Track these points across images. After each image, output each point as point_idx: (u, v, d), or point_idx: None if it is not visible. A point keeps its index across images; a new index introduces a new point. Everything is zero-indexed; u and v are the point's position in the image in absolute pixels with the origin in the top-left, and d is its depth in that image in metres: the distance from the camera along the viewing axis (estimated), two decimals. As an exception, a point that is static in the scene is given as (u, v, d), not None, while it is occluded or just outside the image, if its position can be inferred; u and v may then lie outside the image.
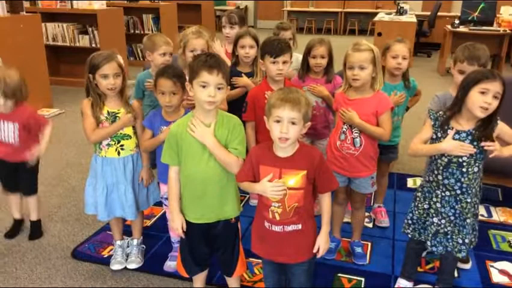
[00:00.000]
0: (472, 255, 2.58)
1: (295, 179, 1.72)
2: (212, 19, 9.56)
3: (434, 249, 2.08)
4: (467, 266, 2.48)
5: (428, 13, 10.33)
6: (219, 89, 1.76)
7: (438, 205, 2.05)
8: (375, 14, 10.49)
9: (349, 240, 2.62)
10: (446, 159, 1.98)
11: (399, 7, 9.40)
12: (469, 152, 1.92)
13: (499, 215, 3.08)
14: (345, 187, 2.43)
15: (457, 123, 1.97)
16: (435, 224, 2.06)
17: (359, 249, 2.55)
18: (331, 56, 2.72)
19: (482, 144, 1.90)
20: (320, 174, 1.74)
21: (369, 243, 2.70)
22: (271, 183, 1.70)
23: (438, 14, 10.01)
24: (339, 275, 2.42)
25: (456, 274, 2.42)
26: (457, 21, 7.95)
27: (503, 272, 2.47)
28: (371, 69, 2.18)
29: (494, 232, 2.85)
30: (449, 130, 1.97)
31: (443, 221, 2.04)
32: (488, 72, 1.87)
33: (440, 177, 2.02)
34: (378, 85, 2.24)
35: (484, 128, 1.91)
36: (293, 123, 1.65)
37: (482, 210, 3.11)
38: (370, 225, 2.91)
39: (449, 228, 2.04)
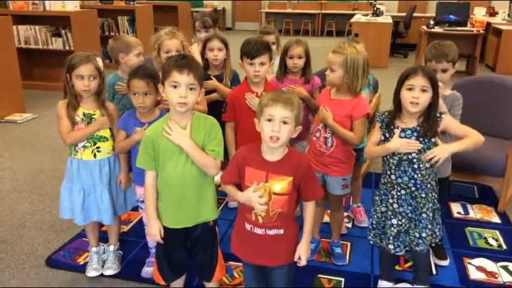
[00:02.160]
0: (449, 252, 2.61)
1: (281, 184, 1.70)
2: (189, 21, 9.50)
3: (397, 250, 2.09)
4: (445, 263, 2.50)
5: (404, 14, 10.50)
6: (190, 89, 1.73)
7: (395, 205, 2.06)
8: (352, 15, 10.61)
9: (328, 240, 2.62)
10: (396, 158, 2.01)
11: (375, 8, 9.53)
12: (416, 148, 1.96)
13: (475, 212, 3.12)
14: (322, 186, 2.42)
15: (401, 122, 2.02)
16: (394, 226, 2.07)
17: (338, 250, 2.55)
18: (308, 56, 2.73)
19: (422, 158, 1.95)
20: (305, 181, 1.73)
21: (349, 243, 2.70)
22: (257, 196, 1.68)
23: (414, 15, 10.19)
24: (319, 275, 2.42)
25: (434, 271, 2.44)
26: (432, 22, 8.08)
27: (480, 268, 2.50)
28: (341, 73, 2.19)
29: (471, 229, 2.88)
30: (395, 129, 2.01)
31: (402, 221, 2.06)
32: (411, 69, 1.95)
33: (393, 176, 2.04)
34: (359, 89, 2.22)
35: (427, 124, 1.95)
36: (285, 122, 1.64)
37: (458, 207, 3.15)
38: (349, 225, 2.91)
39: (408, 225, 2.06)
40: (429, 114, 1.95)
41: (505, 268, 2.50)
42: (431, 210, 2.04)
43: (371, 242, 2.20)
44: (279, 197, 1.71)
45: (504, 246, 2.72)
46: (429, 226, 2.04)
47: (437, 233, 2.11)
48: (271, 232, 1.75)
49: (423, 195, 2.01)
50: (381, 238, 2.15)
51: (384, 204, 2.11)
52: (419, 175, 1.99)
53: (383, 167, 2.11)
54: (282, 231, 1.76)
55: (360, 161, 2.74)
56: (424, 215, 2.03)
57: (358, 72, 2.18)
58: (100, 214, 2.28)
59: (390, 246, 2.09)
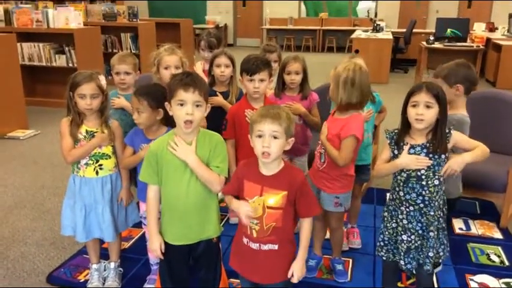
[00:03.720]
0: (451, 269, 2.59)
1: (275, 198, 1.71)
2: (191, 38, 9.58)
3: (408, 266, 2.07)
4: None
5: (404, 30, 10.58)
6: (197, 106, 1.75)
7: (405, 221, 2.05)
8: (353, 31, 10.70)
9: (330, 257, 2.61)
10: (405, 175, 2.01)
11: (375, 24, 9.62)
12: (425, 165, 1.96)
13: (477, 228, 3.11)
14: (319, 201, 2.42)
15: (411, 138, 2.02)
16: (405, 242, 2.06)
17: (339, 267, 2.54)
18: (306, 73, 2.75)
19: (439, 174, 1.96)
20: (300, 197, 1.73)
21: (350, 260, 2.69)
22: (246, 207, 1.70)
23: (414, 30, 10.26)
24: (321, 293, 2.40)
25: (436, 286, 2.42)
26: (431, 38, 8.14)
27: (482, 285, 2.48)
28: (332, 87, 2.23)
29: (473, 245, 2.87)
30: (404, 146, 2.01)
31: (412, 237, 2.04)
32: (416, 86, 1.97)
33: (401, 193, 2.03)
34: (342, 102, 2.20)
35: (435, 140, 1.95)
36: (275, 137, 1.66)
37: (460, 223, 3.14)
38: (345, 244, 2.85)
39: (419, 242, 2.04)
40: (437, 131, 1.95)
41: (508, 285, 2.48)
42: (436, 229, 2.02)
43: (384, 258, 2.18)
44: (273, 211, 1.72)
45: (506, 263, 2.70)
46: (435, 246, 2.03)
47: (441, 253, 2.08)
48: (265, 247, 1.76)
49: (431, 213, 2.00)
50: (394, 253, 2.13)
51: (394, 220, 2.10)
52: (427, 192, 1.98)
53: (392, 183, 2.10)
54: (276, 247, 1.76)
55: (362, 179, 2.72)
56: (432, 234, 2.01)
57: (339, 85, 2.18)
58: (101, 231, 2.28)
59: (402, 262, 2.08)
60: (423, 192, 1.98)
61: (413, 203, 2.01)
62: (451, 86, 2.30)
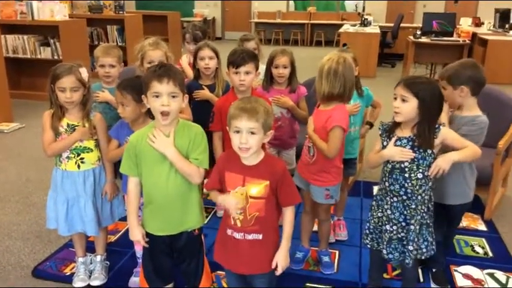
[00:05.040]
0: (436, 260, 2.62)
1: (257, 188, 1.72)
2: (178, 30, 9.51)
3: (390, 256, 2.10)
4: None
5: (392, 24, 10.63)
6: (173, 97, 1.74)
7: (389, 212, 2.08)
8: (341, 25, 10.72)
9: (317, 249, 2.62)
10: (390, 166, 2.04)
11: (363, 19, 9.65)
12: (408, 157, 1.98)
13: (462, 220, 3.14)
14: (309, 193, 2.43)
15: (401, 131, 2.04)
16: (388, 231, 2.08)
17: (326, 258, 2.56)
18: (293, 66, 2.74)
19: (428, 174, 1.98)
20: (282, 186, 1.74)
21: (337, 252, 2.71)
22: (233, 200, 1.72)
23: (401, 25, 10.31)
24: (308, 284, 2.42)
25: (421, 279, 2.45)
26: (418, 32, 8.19)
27: (466, 276, 2.52)
28: (316, 79, 2.24)
29: (458, 237, 2.90)
30: (392, 137, 2.04)
31: (394, 227, 2.07)
32: (400, 80, 2.02)
33: (387, 183, 2.06)
34: (324, 94, 2.22)
35: (418, 134, 1.97)
36: (252, 133, 1.66)
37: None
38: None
39: (402, 234, 2.07)
40: (420, 125, 1.97)
41: (491, 275, 2.53)
42: (418, 223, 2.03)
43: (368, 246, 2.21)
44: (256, 201, 1.73)
45: (490, 254, 2.74)
46: (416, 240, 2.04)
47: (424, 250, 2.07)
48: (249, 237, 1.77)
49: (413, 206, 2.02)
50: (378, 242, 2.16)
51: (380, 210, 2.12)
52: (410, 184, 2.00)
53: (380, 174, 2.14)
54: (260, 237, 1.77)
55: (348, 173, 2.73)
56: (412, 227, 2.03)
57: (322, 76, 2.20)
58: (83, 225, 2.26)
59: (384, 252, 2.11)
60: (406, 185, 2.00)
61: (397, 194, 2.04)
62: (455, 88, 2.23)
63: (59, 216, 2.24)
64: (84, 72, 2.17)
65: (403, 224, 2.05)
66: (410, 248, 2.04)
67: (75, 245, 2.43)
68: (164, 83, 1.71)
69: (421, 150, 1.97)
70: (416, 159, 1.98)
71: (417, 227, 2.03)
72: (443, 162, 1.95)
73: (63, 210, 2.23)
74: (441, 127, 1.98)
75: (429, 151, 1.97)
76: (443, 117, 2.13)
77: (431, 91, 1.95)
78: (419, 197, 2.01)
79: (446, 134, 2.00)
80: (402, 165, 2.00)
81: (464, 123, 2.21)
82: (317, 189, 2.36)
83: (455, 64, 2.32)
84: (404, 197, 2.02)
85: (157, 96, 1.73)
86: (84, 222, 2.25)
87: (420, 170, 1.98)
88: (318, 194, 2.36)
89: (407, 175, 2.00)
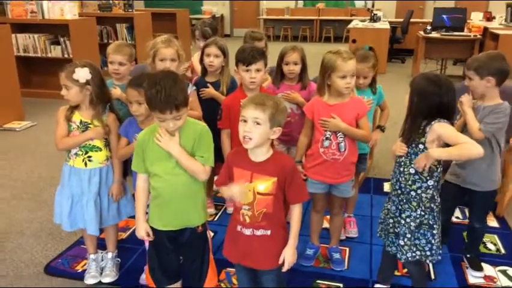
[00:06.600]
0: (447, 257, 2.61)
1: (265, 184, 1.72)
2: (187, 28, 9.51)
3: (388, 249, 2.13)
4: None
5: (401, 20, 10.54)
6: (176, 120, 1.74)
7: (390, 204, 2.11)
8: (350, 21, 10.65)
9: (327, 246, 2.62)
10: (396, 159, 2.08)
11: (372, 14, 9.57)
12: (402, 152, 2.00)
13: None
14: (324, 194, 2.43)
15: None
16: (390, 224, 2.11)
17: (337, 255, 2.55)
18: (304, 63, 2.73)
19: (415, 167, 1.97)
20: (290, 183, 1.74)
21: (347, 249, 2.70)
22: (236, 187, 1.73)
23: (411, 20, 10.21)
24: (318, 281, 2.42)
25: (433, 276, 2.44)
26: (429, 28, 8.11)
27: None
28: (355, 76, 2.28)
29: (470, 234, 2.87)
30: None
31: (391, 221, 2.09)
32: None
33: (391, 176, 2.11)
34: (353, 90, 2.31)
35: (406, 129, 2.00)
36: (257, 123, 1.66)
37: (457, 212, 3.14)
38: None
39: (398, 228, 2.06)
40: (406, 119, 2.01)
41: (504, 272, 2.50)
42: (413, 220, 2.01)
43: (378, 235, 2.23)
44: (264, 197, 1.73)
45: (503, 251, 2.72)
46: (408, 236, 2.02)
47: (427, 253, 2.02)
48: (258, 233, 1.78)
49: (404, 201, 2.03)
50: (385, 233, 2.17)
51: (390, 202, 2.14)
52: (402, 178, 2.01)
53: None
54: (269, 232, 1.78)
55: (360, 169, 2.72)
56: (402, 221, 2.03)
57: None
58: (85, 223, 2.28)
59: (387, 243, 2.14)
60: (400, 179, 2.02)
61: (394, 188, 2.07)
62: (481, 78, 2.25)
63: (63, 211, 2.26)
64: (79, 72, 2.13)
65: (398, 218, 2.06)
66: (401, 243, 2.03)
67: (86, 242, 2.45)
68: (167, 113, 1.69)
69: (413, 145, 1.97)
70: (408, 154, 1.99)
71: (412, 224, 2.01)
72: (423, 156, 1.91)
73: (67, 206, 2.25)
74: (434, 123, 1.91)
75: (421, 146, 1.94)
76: (467, 106, 2.26)
77: (419, 88, 1.95)
78: (412, 193, 1.99)
79: (439, 130, 1.90)
80: (399, 160, 2.03)
81: (488, 112, 2.26)
82: (347, 185, 2.39)
83: (482, 55, 2.38)
84: (399, 191, 2.04)
85: (162, 121, 1.74)
86: (85, 220, 2.27)
87: (412, 165, 1.97)
88: (348, 188, 2.40)
89: (401, 169, 2.02)
